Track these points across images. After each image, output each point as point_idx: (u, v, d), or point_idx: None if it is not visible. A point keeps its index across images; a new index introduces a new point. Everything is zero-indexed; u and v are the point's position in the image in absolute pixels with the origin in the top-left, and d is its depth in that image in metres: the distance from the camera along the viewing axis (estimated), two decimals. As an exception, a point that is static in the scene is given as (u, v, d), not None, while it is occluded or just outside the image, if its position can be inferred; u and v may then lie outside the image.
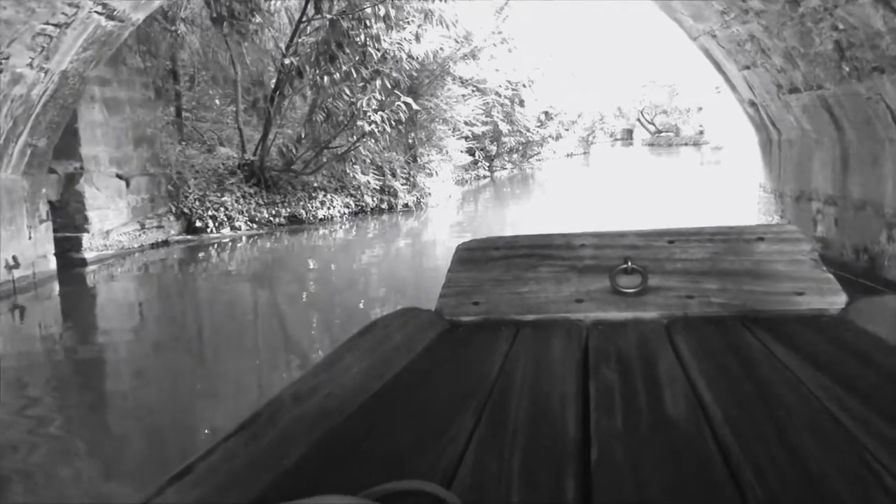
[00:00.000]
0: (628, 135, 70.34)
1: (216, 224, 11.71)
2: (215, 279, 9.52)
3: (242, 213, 12.21)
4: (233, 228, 11.94)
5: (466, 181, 22.85)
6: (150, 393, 5.02)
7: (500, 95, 20.09)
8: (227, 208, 11.94)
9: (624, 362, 1.42)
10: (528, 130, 25.89)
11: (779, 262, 1.80)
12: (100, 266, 9.57)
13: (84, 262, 9.42)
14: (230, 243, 11.47)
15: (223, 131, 16.10)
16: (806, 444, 1.01)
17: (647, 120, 65.58)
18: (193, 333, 6.90)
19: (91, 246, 9.64)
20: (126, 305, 8.07)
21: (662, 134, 62.47)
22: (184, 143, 14.68)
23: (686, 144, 54.50)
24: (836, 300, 1.71)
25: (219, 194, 12.11)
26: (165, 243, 11.08)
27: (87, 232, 9.61)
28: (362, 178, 13.87)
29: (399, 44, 12.54)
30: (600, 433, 1.08)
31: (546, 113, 27.57)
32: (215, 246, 11.26)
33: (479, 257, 1.96)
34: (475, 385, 1.32)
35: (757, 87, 7.22)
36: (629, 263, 1.80)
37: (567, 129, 32.77)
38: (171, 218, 11.40)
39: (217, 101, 17.58)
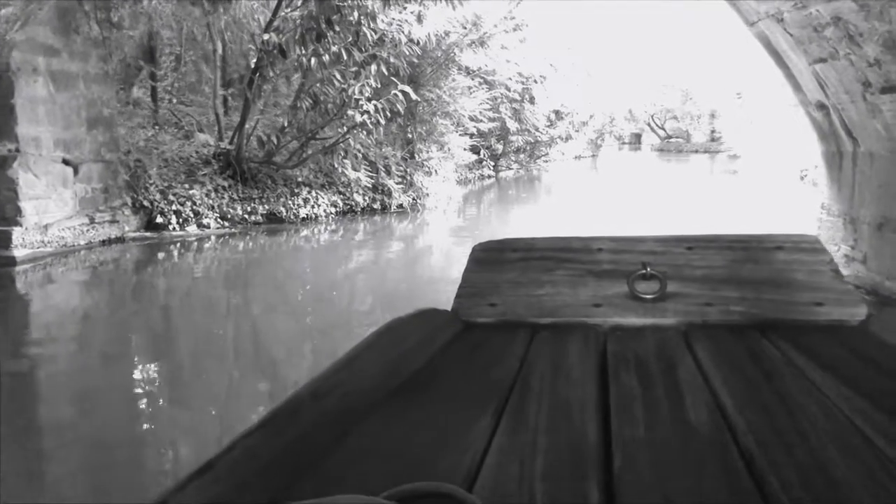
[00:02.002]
0: (636, 139, 68.89)
1: (180, 220, 10.28)
2: (170, 288, 8.11)
3: (213, 208, 10.77)
4: (200, 226, 10.51)
5: (469, 181, 21.42)
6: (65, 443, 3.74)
7: (509, 90, 18.52)
8: (194, 203, 10.50)
9: (643, 369, 1.42)
10: (537, 130, 24.37)
11: (798, 272, 1.78)
12: (33, 266, 8.17)
13: (13, 261, 8.02)
14: (195, 243, 10.06)
15: (207, 116, 14.67)
16: (830, 455, 1.01)
17: (657, 125, 64.07)
18: (134, 358, 5.53)
19: (24, 242, 8.23)
20: (57, 317, 6.66)
21: (672, 139, 60.98)
22: (157, 126, 13.31)
23: (697, 151, 53.02)
24: (857, 312, 1.68)
25: (187, 186, 10.68)
26: (120, 240, 9.66)
27: (20, 226, 8.21)
28: (352, 175, 12.43)
29: (399, 24, 11.08)
30: (622, 440, 1.08)
31: (556, 112, 26.00)
32: (178, 245, 9.85)
33: (495, 258, 1.94)
34: (493, 387, 1.33)
35: (832, 84, 5.77)
36: (647, 269, 1.76)
37: (577, 131, 31.25)
38: (128, 211, 9.98)
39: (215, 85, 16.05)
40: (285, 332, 6.36)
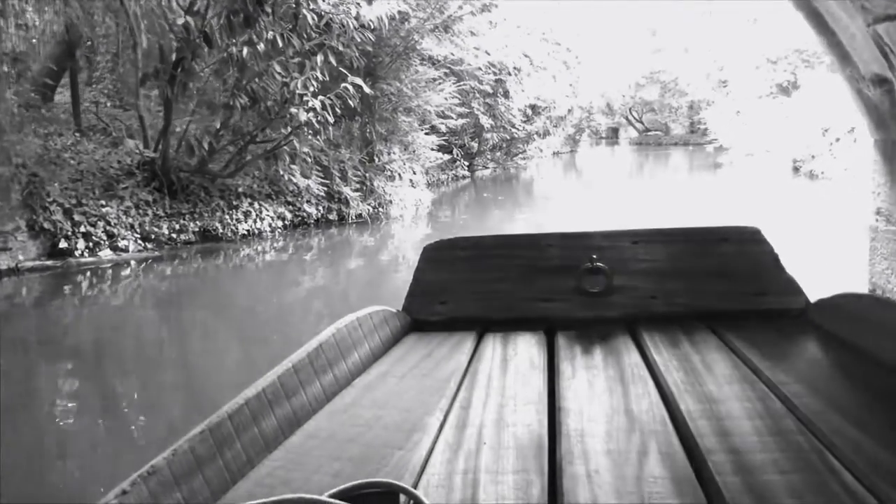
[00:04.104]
0: (614, 133, 67.81)
1: (90, 244, 8.61)
2: (67, 332, 6.49)
3: (132, 227, 9.11)
4: (116, 249, 8.84)
5: (443, 182, 19.87)
6: None
7: (480, 82, 16.91)
8: (108, 222, 8.84)
9: (590, 361, 1.46)
10: (512, 126, 22.82)
11: (741, 263, 1.82)
12: None
13: None
14: (109, 271, 8.41)
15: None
16: (766, 441, 1.06)
17: (635, 118, 62.96)
18: (16, 429, 3.92)
19: None
20: None
21: (651, 133, 59.90)
22: (79, 133, 11.62)
23: (676, 144, 51.94)
24: (797, 300, 1.75)
25: (102, 203, 9.01)
26: (13, 272, 7.99)
27: None
28: (302, 182, 10.82)
29: (346, 7, 9.49)
30: (567, 431, 1.12)
31: (533, 107, 24.46)
32: (86, 275, 8.20)
33: (445, 257, 1.94)
34: (442, 385, 1.35)
35: (902, 50, 4.29)
36: (594, 263, 1.79)
37: (555, 126, 29.77)
38: (24, 236, 8.29)
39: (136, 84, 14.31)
40: (217, 384, 4.82)
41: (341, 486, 0.89)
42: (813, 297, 1.77)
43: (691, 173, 24.72)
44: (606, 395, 1.26)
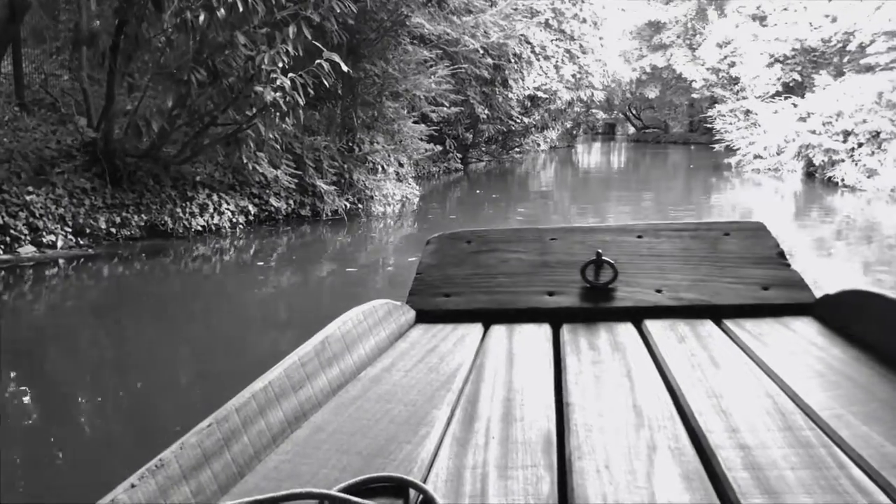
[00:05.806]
0: (611, 129, 66.65)
1: (7, 238, 7.25)
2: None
3: (63, 220, 7.76)
4: (39, 245, 7.49)
5: (434, 175, 18.56)
6: None
7: (477, 67, 15.53)
8: (32, 213, 7.49)
9: (596, 355, 1.43)
10: (510, 118, 21.46)
11: (746, 257, 1.80)
12: None
13: None
14: (30, 271, 7.06)
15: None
16: (775, 437, 1.02)
17: (633, 115, 61.72)
18: None
19: None
20: None
21: (649, 130, 58.68)
22: (18, 108, 10.22)
23: (676, 143, 50.71)
24: (802, 296, 1.70)
25: (29, 189, 7.65)
26: None
27: None
28: (269, 172, 9.47)
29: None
30: (575, 426, 1.08)
31: (532, 98, 23.09)
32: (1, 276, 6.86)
33: (449, 250, 1.92)
34: (448, 378, 1.32)
35: None
36: (600, 257, 1.76)
37: (554, 119, 28.42)
38: (-77, 228, 6.94)
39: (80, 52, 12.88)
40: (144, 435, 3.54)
41: (350, 481, 0.89)
42: (818, 293, 1.67)
43: (700, 175, 23.48)
44: (613, 390, 1.22)
